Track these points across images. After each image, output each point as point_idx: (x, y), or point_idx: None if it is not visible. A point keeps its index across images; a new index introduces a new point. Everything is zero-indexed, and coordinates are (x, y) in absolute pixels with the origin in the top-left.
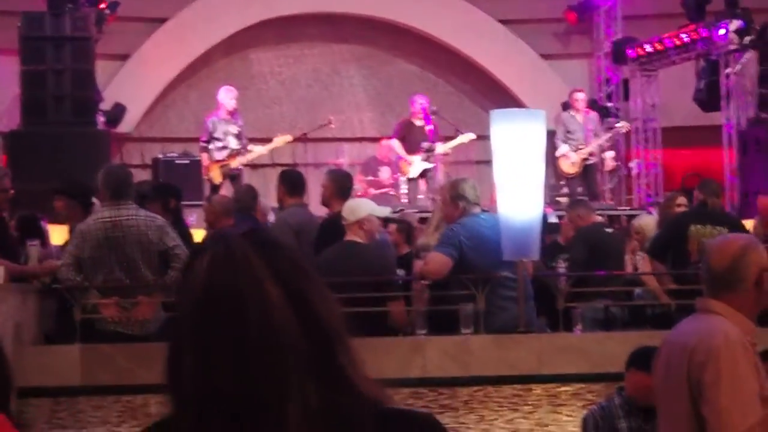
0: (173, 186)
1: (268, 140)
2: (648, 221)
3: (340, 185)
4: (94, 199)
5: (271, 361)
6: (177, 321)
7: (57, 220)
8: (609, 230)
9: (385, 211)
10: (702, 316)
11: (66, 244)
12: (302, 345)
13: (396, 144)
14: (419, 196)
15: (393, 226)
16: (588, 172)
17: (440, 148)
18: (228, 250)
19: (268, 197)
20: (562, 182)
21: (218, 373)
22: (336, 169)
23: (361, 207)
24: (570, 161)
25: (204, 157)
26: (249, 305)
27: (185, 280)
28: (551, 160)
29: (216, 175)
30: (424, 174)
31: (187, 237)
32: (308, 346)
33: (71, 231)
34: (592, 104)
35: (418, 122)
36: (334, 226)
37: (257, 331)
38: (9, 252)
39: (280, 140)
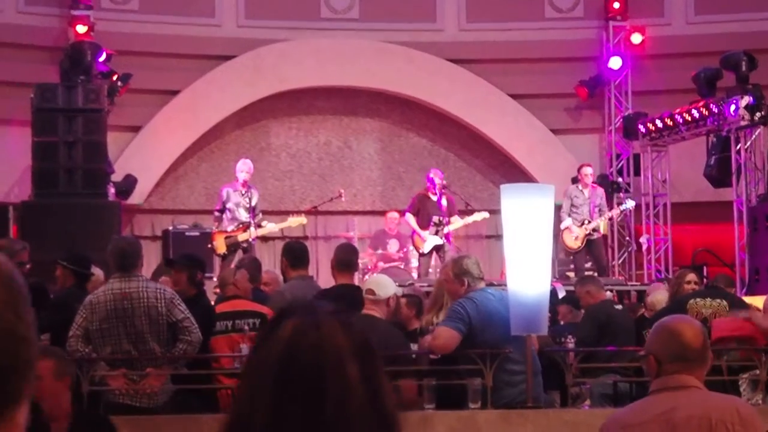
0: (200, 258)
1: (279, 212)
2: (660, 298)
3: (343, 259)
4: (98, 270)
5: None
6: (250, 380)
7: (54, 289)
8: (618, 307)
9: (398, 291)
10: (687, 392)
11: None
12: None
13: (410, 218)
14: (430, 270)
15: (403, 300)
16: (591, 246)
17: (453, 224)
18: (314, 320)
19: (278, 270)
20: (570, 256)
21: None
22: (343, 243)
23: (390, 285)
24: (573, 236)
25: (215, 226)
26: (329, 382)
27: (263, 344)
28: (556, 233)
29: (220, 245)
30: (437, 249)
31: (209, 311)
32: None
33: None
34: (603, 179)
35: (434, 197)
36: (330, 297)
37: (333, 409)
38: None
39: (294, 221)
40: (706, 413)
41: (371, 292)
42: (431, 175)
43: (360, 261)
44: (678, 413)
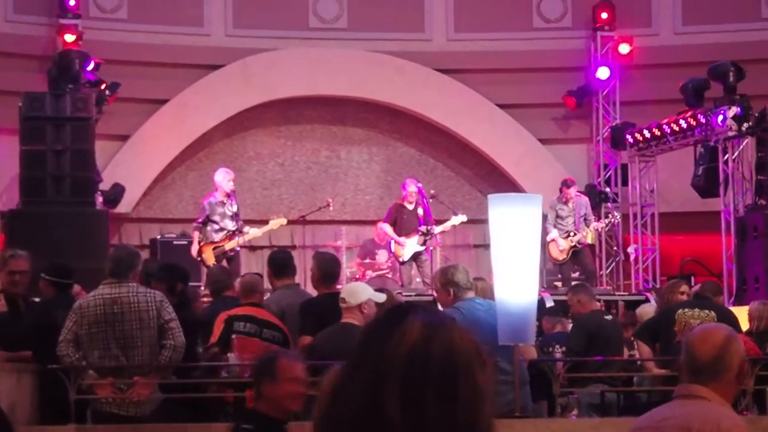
0: (181, 269)
1: (266, 222)
2: (649, 310)
3: (324, 270)
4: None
5: None
6: (369, 377)
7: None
8: (608, 317)
9: (381, 298)
10: (688, 401)
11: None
12: None
13: (387, 228)
14: (417, 280)
15: None
16: (578, 256)
17: (435, 230)
18: (443, 321)
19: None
20: (558, 266)
21: None
22: (322, 252)
23: (362, 291)
24: (558, 248)
25: (195, 236)
26: (461, 385)
27: (382, 338)
28: (543, 244)
29: (209, 257)
30: (416, 257)
31: (191, 320)
32: None
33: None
34: (590, 189)
35: (410, 206)
36: (312, 307)
37: (465, 413)
38: None
39: (276, 223)
40: (687, 424)
41: (343, 300)
42: (406, 185)
43: (348, 270)
44: (668, 422)
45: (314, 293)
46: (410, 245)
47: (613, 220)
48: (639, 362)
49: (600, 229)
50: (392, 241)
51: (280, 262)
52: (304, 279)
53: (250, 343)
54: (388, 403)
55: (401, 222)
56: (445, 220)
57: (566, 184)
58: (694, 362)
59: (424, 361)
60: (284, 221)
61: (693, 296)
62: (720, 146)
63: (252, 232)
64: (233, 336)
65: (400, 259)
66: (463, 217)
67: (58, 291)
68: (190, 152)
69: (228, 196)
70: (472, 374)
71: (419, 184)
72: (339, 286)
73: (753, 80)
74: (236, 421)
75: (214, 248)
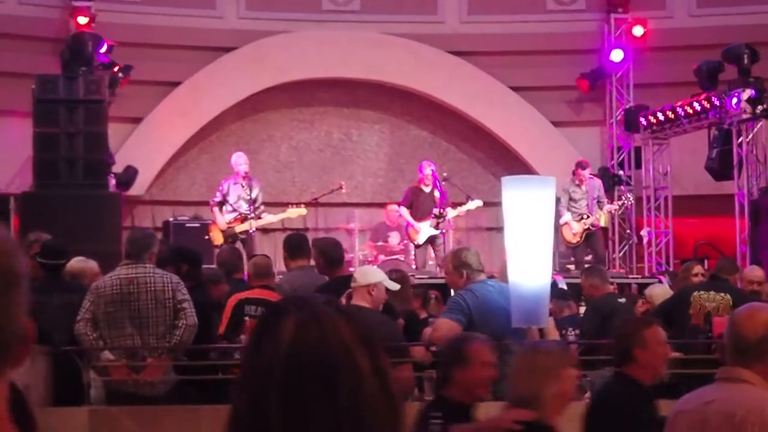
0: (189, 250)
1: (279, 204)
2: (659, 291)
3: (328, 255)
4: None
5: None
6: (254, 381)
7: None
8: (621, 300)
9: (395, 286)
10: (731, 386)
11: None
12: (386, 422)
13: (404, 211)
14: (429, 263)
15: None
16: (590, 239)
17: (450, 214)
18: (315, 315)
19: (279, 262)
20: (570, 249)
21: None
22: (321, 238)
23: (373, 273)
24: (572, 231)
25: (216, 213)
26: (339, 373)
27: (261, 341)
28: (556, 227)
29: (216, 237)
30: (432, 240)
31: (202, 302)
32: (389, 426)
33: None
34: (604, 172)
35: (426, 188)
36: (325, 291)
37: (347, 401)
38: None
39: (294, 212)
40: (732, 410)
41: (354, 279)
42: (423, 167)
43: (361, 253)
44: (713, 406)
45: None
46: (425, 229)
47: (626, 202)
48: None
49: (613, 212)
50: (408, 225)
51: (296, 244)
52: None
53: None
54: (270, 407)
55: (417, 205)
56: (459, 203)
57: (581, 165)
58: (740, 342)
59: (299, 361)
60: (303, 211)
61: (709, 277)
62: (734, 129)
63: (267, 218)
64: (246, 318)
65: (415, 242)
66: (479, 202)
67: (46, 272)
68: (203, 135)
69: (247, 179)
70: (352, 361)
71: (433, 168)
72: (351, 269)
73: (767, 62)
74: (425, 409)
75: (222, 230)
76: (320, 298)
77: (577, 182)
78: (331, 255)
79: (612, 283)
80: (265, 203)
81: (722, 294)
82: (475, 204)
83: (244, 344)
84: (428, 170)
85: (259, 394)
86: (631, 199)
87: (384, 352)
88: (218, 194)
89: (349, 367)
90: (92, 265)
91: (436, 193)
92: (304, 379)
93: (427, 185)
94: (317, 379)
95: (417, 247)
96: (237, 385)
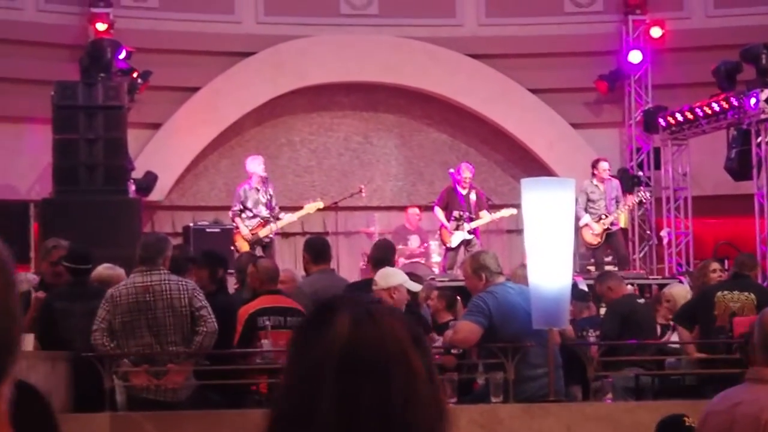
0: (222, 256)
1: (299, 209)
2: (679, 290)
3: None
4: (119, 269)
5: None
6: (306, 375)
7: None
8: (641, 300)
9: (417, 287)
10: (760, 387)
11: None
12: (437, 422)
13: (438, 212)
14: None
15: (435, 293)
16: (610, 239)
17: (482, 219)
18: (370, 312)
19: (299, 266)
20: (590, 251)
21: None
22: (380, 240)
23: (394, 275)
24: (592, 232)
25: (238, 222)
26: (395, 371)
27: (313, 336)
28: (576, 228)
29: (242, 245)
30: (466, 244)
31: (227, 307)
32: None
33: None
34: (623, 173)
35: (463, 190)
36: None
37: (401, 399)
38: None
39: (311, 207)
40: (757, 413)
41: (375, 283)
42: (461, 170)
43: None
44: (740, 408)
45: (348, 279)
46: (459, 233)
47: (644, 197)
48: (676, 346)
49: (632, 205)
50: (442, 226)
51: (319, 248)
52: (337, 266)
53: (278, 336)
54: (323, 402)
55: (453, 206)
56: (492, 206)
57: (598, 161)
58: (766, 342)
59: (355, 357)
60: (320, 204)
61: (732, 275)
62: (753, 129)
63: (287, 218)
64: (260, 332)
65: (448, 245)
66: (513, 210)
67: (73, 277)
68: (222, 140)
69: (263, 182)
70: (406, 359)
71: (471, 170)
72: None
73: None
74: None
75: (248, 239)
76: (368, 298)
77: (596, 181)
78: (378, 256)
79: (631, 284)
80: (284, 207)
81: (746, 293)
82: (509, 212)
83: (289, 342)
84: (467, 173)
85: (311, 390)
86: (648, 195)
87: (433, 356)
88: (237, 204)
89: (404, 367)
90: (120, 272)
91: (473, 196)
92: (360, 375)
93: (464, 187)
94: (373, 376)
95: (449, 249)
96: (283, 381)
